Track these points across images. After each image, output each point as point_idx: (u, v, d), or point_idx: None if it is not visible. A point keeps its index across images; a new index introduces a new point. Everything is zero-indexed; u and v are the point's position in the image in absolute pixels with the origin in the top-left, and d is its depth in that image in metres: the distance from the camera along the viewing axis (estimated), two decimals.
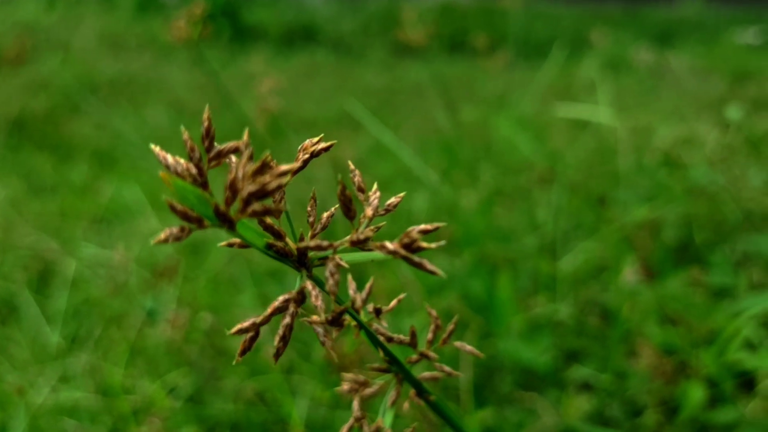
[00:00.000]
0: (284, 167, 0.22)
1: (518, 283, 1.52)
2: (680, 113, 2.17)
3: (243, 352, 0.25)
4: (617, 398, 1.30)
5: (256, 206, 0.21)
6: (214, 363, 1.36)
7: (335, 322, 0.25)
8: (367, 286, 0.32)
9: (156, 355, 1.34)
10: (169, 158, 0.22)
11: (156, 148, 0.22)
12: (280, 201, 0.26)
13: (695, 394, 1.21)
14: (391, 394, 0.39)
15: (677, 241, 1.56)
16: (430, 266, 0.23)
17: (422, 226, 0.24)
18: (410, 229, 0.24)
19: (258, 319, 0.24)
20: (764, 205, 1.59)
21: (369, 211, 0.26)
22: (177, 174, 0.22)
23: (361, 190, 0.25)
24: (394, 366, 0.39)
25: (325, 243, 0.24)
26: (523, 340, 1.37)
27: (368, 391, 0.40)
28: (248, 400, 1.29)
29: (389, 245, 0.23)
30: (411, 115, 2.77)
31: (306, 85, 3.69)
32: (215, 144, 0.23)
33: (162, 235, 0.21)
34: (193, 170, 0.22)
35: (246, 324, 0.24)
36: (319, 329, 0.25)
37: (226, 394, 1.28)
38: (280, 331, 0.24)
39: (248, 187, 0.21)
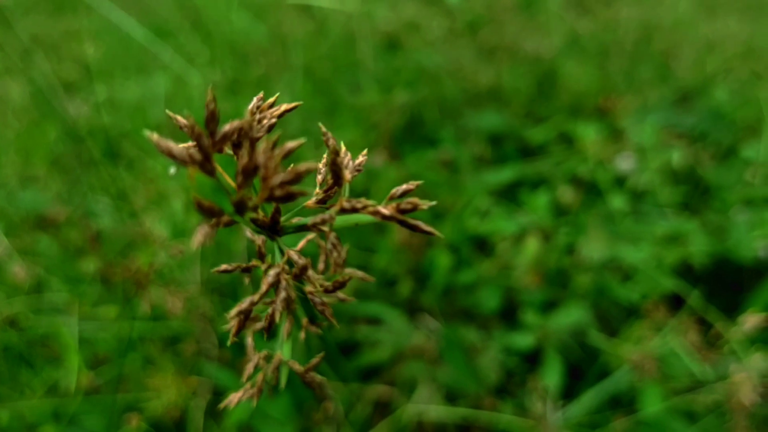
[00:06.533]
0: (292, 144, 0.21)
1: None
2: None
3: (237, 332, 0.24)
4: (373, 273, 1.40)
5: (279, 192, 0.20)
6: None
7: (335, 291, 0.25)
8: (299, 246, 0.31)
9: None
10: (174, 148, 0.19)
11: (154, 136, 0.19)
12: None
13: (441, 261, 1.35)
14: (285, 326, 0.40)
15: (410, 121, 1.68)
16: (425, 227, 0.24)
17: (405, 186, 0.25)
18: (396, 190, 0.25)
19: (255, 298, 0.23)
20: (478, 83, 1.76)
21: (348, 174, 0.26)
22: (183, 163, 0.20)
23: (336, 152, 0.25)
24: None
25: (327, 216, 0.23)
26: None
27: (259, 324, 0.40)
28: None
29: (385, 211, 0.24)
30: None
31: None
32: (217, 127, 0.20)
33: (199, 237, 0.19)
34: (199, 158, 0.20)
35: (244, 305, 0.23)
36: (317, 299, 0.25)
37: None
38: (279, 306, 0.23)
39: (279, 176, 0.20)
